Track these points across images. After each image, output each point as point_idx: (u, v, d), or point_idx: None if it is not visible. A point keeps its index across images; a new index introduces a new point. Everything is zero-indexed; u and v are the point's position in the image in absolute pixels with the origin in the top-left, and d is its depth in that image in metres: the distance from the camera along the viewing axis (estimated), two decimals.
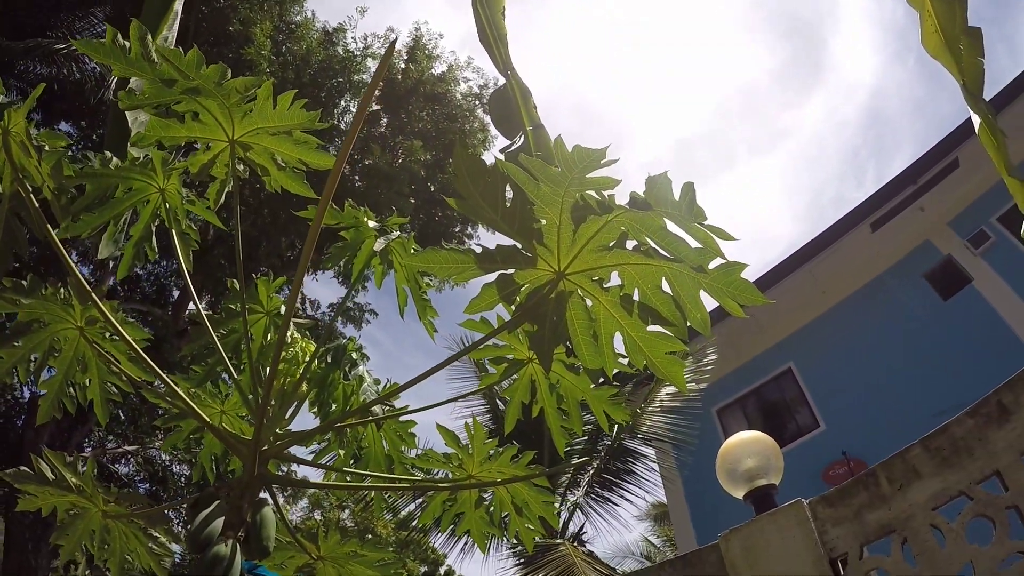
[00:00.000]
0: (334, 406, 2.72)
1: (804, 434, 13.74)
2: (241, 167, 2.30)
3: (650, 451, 10.74)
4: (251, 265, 15.64)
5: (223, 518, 2.06)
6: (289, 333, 2.53)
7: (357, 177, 16.06)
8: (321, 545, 3.05)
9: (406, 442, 2.92)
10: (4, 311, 2.61)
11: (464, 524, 3.11)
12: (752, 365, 14.35)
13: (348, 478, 3.00)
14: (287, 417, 2.48)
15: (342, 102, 16.24)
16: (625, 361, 2.02)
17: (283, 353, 2.45)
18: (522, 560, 8.64)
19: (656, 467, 11.01)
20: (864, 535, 2.90)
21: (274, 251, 15.85)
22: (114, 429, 18.43)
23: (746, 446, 2.92)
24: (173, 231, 2.72)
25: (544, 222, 1.78)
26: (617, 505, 10.54)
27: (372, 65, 16.35)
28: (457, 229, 17.18)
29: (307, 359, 2.58)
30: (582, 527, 10.47)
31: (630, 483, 10.58)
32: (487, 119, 17.01)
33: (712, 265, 1.79)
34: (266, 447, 2.14)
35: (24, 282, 2.55)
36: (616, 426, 10.29)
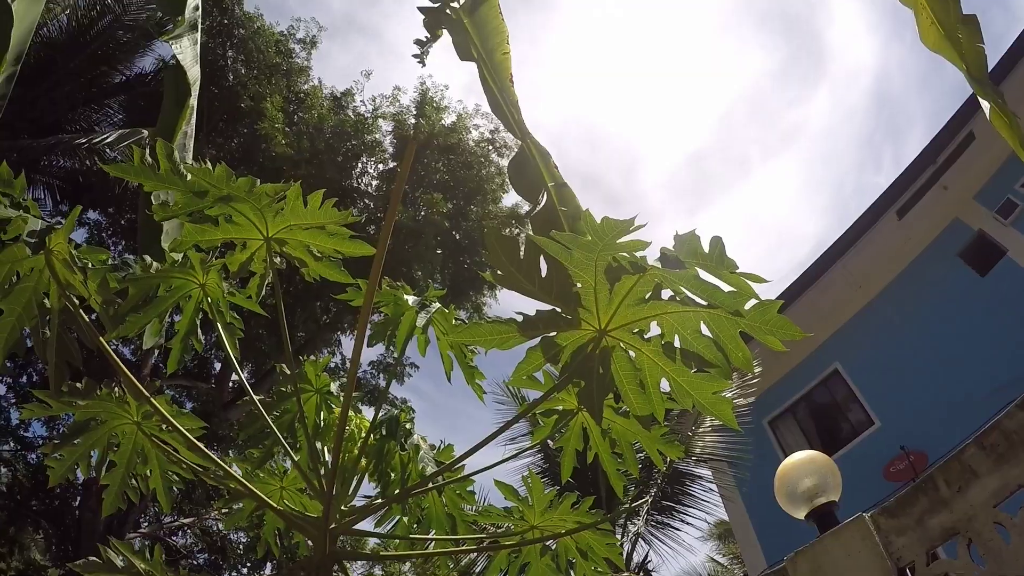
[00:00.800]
0: (392, 475, 2.77)
1: (859, 433, 13.48)
2: (278, 259, 2.39)
3: (706, 472, 10.61)
4: (288, 332, 15.90)
5: None
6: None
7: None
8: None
9: (465, 500, 2.96)
10: (61, 412, 2.71)
11: (531, 574, 3.13)
12: (798, 371, 14.17)
13: (413, 544, 3.04)
14: (349, 493, 2.54)
15: (359, 164, 16.56)
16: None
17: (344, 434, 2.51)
18: None
19: (714, 487, 10.87)
20: (928, 541, 2.87)
21: (310, 317, 16.09)
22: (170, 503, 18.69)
23: (802, 467, 2.91)
24: (218, 323, 2.81)
25: (580, 285, 1.83)
26: (678, 530, 10.43)
27: (383, 124, 16.71)
28: (516, 231, 17.32)
29: (363, 435, 2.64)
30: (646, 556, 10.36)
31: (689, 506, 10.46)
32: (502, 162, 17.19)
33: (747, 306, 1.83)
34: (334, 525, 2.19)
35: (79, 385, 2.65)
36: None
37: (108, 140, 12.94)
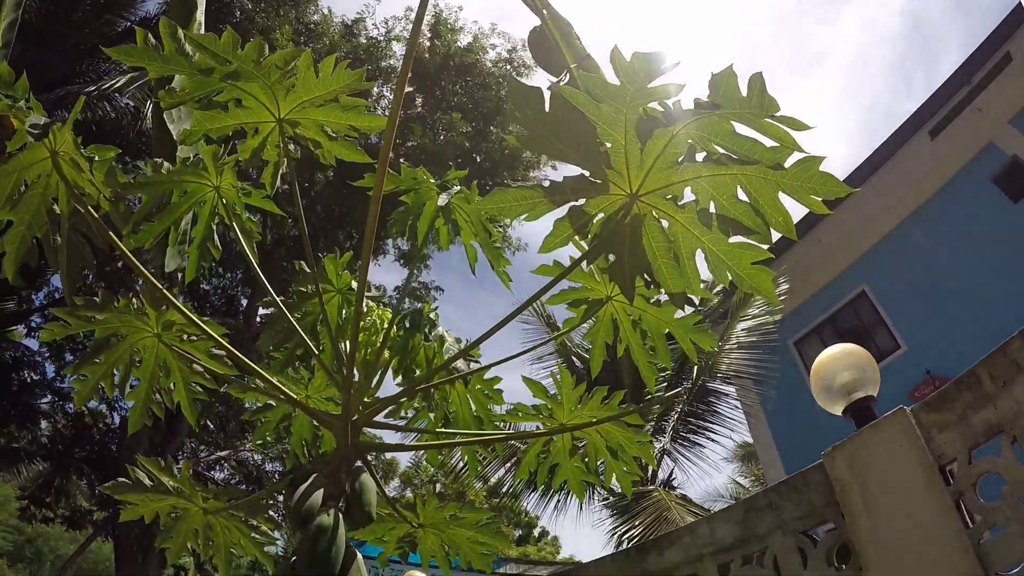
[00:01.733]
0: (418, 372, 2.72)
1: (885, 357, 13.33)
2: (292, 147, 2.29)
3: (732, 390, 10.59)
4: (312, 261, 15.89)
5: (322, 490, 2.09)
6: (365, 303, 2.53)
7: (403, 160, 16.13)
8: (420, 513, 3.07)
9: (494, 399, 2.91)
10: (80, 330, 2.67)
11: (560, 475, 3.09)
12: (825, 292, 14.00)
13: (440, 440, 3.00)
14: (373, 386, 2.49)
15: (375, 89, 16.24)
16: (709, 280, 1.96)
17: (361, 322, 2.44)
18: (616, 511, 8.64)
19: (739, 405, 10.87)
20: (972, 438, 2.78)
21: (333, 244, 16.02)
22: (204, 438, 19.05)
23: (840, 360, 2.82)
24: (235, 225, 2.74)
25: (610, 145, 1.72)
26: (704, 447, 10.48)
27: (397, 48, 16.31)
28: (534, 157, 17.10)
29: (385, 326, 2.57)
30: (671, 474, 10.44)
31: (715, 424, 10.48)
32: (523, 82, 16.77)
33: (788, 163, 1.71)
34: (356, 417, 2.15)
35: (96, 299, 2.60)
36: (696, 368, 10.19)
37: (118, 85, 12.76)
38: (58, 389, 19.09)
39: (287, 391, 2.29)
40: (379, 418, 2.35)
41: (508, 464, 10.55)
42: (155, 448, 15.61)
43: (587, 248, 1.97)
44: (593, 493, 10.96)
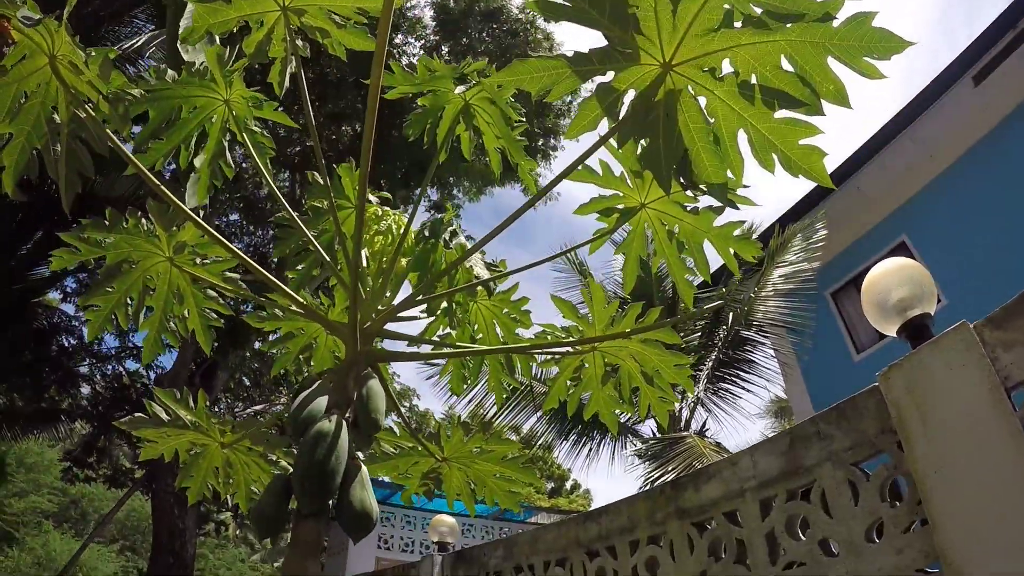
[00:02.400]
0: (438, 287, 2.58)
1: None
2: (300, 43, 2.14)
3: (767, 340, 10.35)
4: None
5: (326, 397, 1.99)
6: (380, 208, 2.40)
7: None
8: (445, 446, 2.97)
9: (522, 322, 2.77)
10: (90, 256, 2.57)
11: (591, 405, 2.96)
12: (863, 242, 13.55)
13: (459, 349, 2.88)
14: (388, 295, 2.36)
15: (398, 37, 15.91)
16: (751, 176, 1.78)
17: (376, 225, 2.31)
18: (648, 458, 8.51)
19: (774, 356, 10.63)
20: None
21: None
22: (240, 394, 19.26)
23: (894, 274, 2.60)
24: (247, 141, 2.61)
25: (639, 8, 1.54)
26: (739, 397, 10.28)
27: None
28: (540, 143, 16.74)
29: (400, 232, 2.44)
30: (704, 424, 10.28)
31: (750, 374, 10.26)
32: (550, 28, 16.34)
33: (836, 23, 1.51)
34: (368, 324, 2.03)
35: (104, 219, 2.50)
36: (732, 315, 9.95)
37: (137, 44, 12.61)
38: (96, 352, 19.37)
39: (299, 299, 2.17)
40: (399, 329, 2.24)
41: (539, 413, 10.48)
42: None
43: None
44: (625, 442, 10.87)
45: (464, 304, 2.64)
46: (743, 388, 10.22)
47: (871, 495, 2.25)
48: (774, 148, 1.67)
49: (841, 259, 13.72)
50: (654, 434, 10.41)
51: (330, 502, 2.05)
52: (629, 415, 10.93)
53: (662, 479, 7.39)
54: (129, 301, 2.71)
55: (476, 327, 2.97)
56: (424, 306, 2.38)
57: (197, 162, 2.54)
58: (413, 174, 14.65)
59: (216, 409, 18.08)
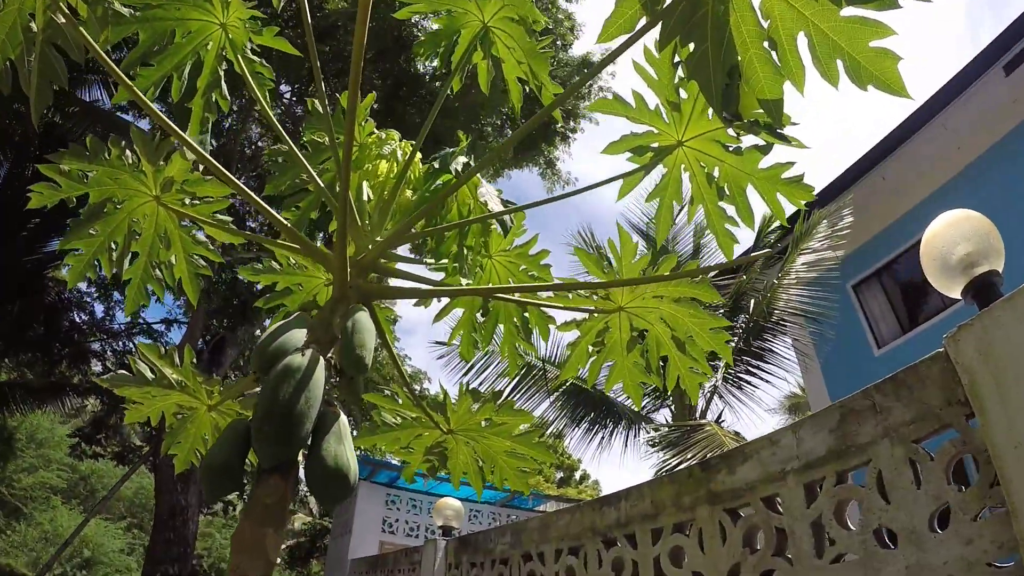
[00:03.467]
0: (447, 237, 2.31)
1: (948, 306, 12.65)
2: None
3: (788, 329, 10.03)
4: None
5: (304, 332, 1.72)
6: (383, 132, 2.13)
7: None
8: (451, 416, 2.70)
9: (541, 278, 2.48)
10: (72, 194, 2.32)
11: (614, 375, 2.68)
12: (887, 234, 13.22)
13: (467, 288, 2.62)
14: (387, 226, 2.09)
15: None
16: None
17: (376, 149, 2.05)
18: (666, 446, 8.22)
19: (793, 348, 10.32)
20: None
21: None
22: (249, 371, 19.13)
23: (956, 227, 2.32)
24: (245, 71, 2.34)
25: None
26: (757, 388, 9.97)
27: None
28: (559, 126, 16.35)
29: (405, 158, 2.16)
30: (720, 415, 10.00)
31: (769, 363, 9.95)
32: (571, 7, 15.94)
33: None
34: (363, 255, 1.77)
35: (84, 148, 2.24)
36: (753, 302, 9.63)
37: None
38: (107, 329, 19.29)
39: (303, 239, 1.91)
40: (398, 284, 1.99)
41: (551, 398, 10.23)
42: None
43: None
44: (639, 430, 10.58)
45: (477, 247, 2.36)
46: (762, 379, 9.90)
47: (936, 477, 1.96)
48: (839, 53, 1.40)
49: (864, 251, 13.37)
50: (668, 423, 10.14)
51: (299, 456, 1.75)
52: (647, 400, 10.66)
53: (680, 467, 7.11)
54: (113, 246, 2.46)
55: (490, 284, 2.70)
56: (431, 255, 2.12)
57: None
58: (429, 146, 14.35)
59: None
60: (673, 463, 7.35)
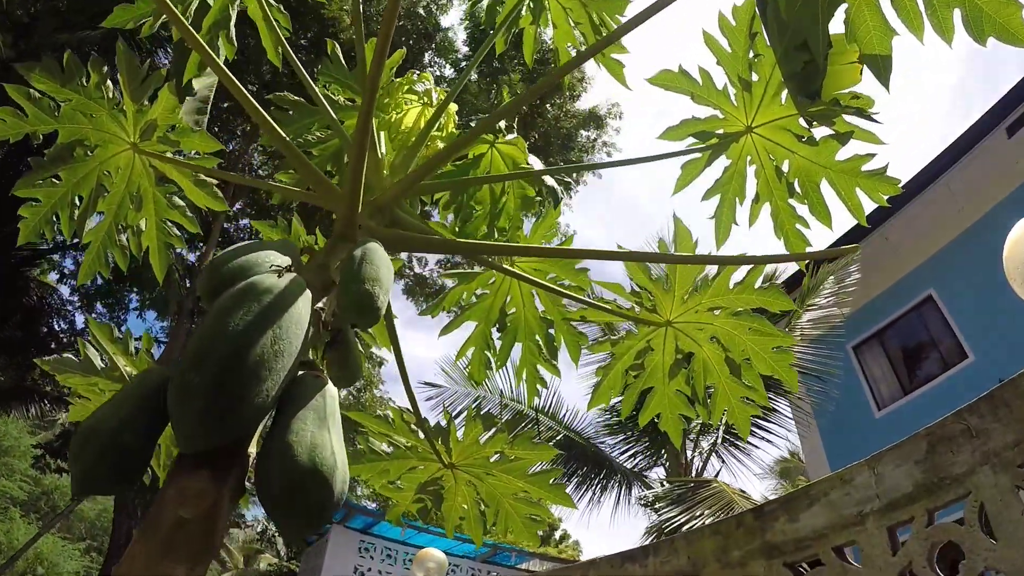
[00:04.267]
0: (477, 209, 1.96)
1: (951, 367, 12.39)
2: None
3: (790, 389, 9.67)
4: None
5: (285, 258, 1.26)
6: (414, 73, 1.80)
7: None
8: (454, 447, 2.31)
9: (577, 285, 2.12)
10: (40, 129, 1.94)
11: (652, 405, 2.31)
12: (889, 295, 13.06)
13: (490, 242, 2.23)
14: (399, 163, 1.73)
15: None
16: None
17: (403, 91, 1.72)
18: (670, 502, 7.73)
19: (792, 407, 9.95)
20: None
21: None
22: None
23: None
24: (261, 15, 2.02)
25: None
26: (757, 448, 9.55)
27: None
28: (593, 136, 16.13)
29: (440, 103, 1.83)
30: (718, 474, 9.56)
31: (772, 422, 9.56)
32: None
33: None
34: (378, 196, 1.43)
35: (60, 66, 1.86)
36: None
37: None
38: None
39: (305, 161, 1.54)
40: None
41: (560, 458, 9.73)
42: None
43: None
44: (631, 487, 10.09)
45: (517, 219, 2.01)
46: (764, 439, 9.51)
47: None
48: (958, 0, 1.13)
49: (864, 312, 13.14)
50: (664, 481, 9.69)
51: (252, 444, 1.17)
52: (640, 458, 10.20)
53: (688, 526, 6.65)
54: (77, 201, 2.07)
55: (510, 298, 2.35)
56: (455, 232, 1.77)
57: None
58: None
59: None
60: (682, 520, 6.87)
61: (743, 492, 7.82)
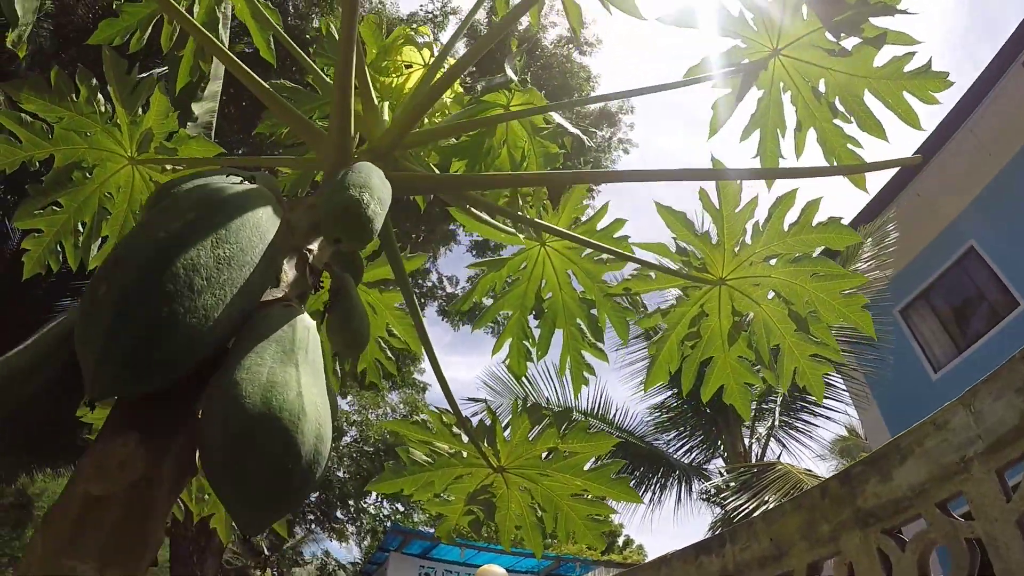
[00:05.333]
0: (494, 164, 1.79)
1: (1003, 318, 11.96)
2: None
3: (843, 361, 9.35)
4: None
5: (265, 190, 1.02)
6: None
7: None
8: (501, 449, 2.12)
9: (620, 251, 1.94)
10: (34, 153, 1.80)
11: (714, 377, 2.12)
12: (929, 253, 12.67)
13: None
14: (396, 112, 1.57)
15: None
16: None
17: (404, 35, 1.57)
18: (736, 488, 7.42)
19: (849, 380, 9.62)
20: None
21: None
22: None
23: None
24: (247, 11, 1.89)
25: None
26: (816, 427, 9.22)
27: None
28: (607, 134, 16.02)
29: (442, 49, 1.67)
30: (778, 458, 9.23)
31: (828, 397, 9.23)
32: (585, 60, 15.96)
33: None
34: (375, 143, 1.27)
35: (48, 81, 1.72)
36: None
37: None
38: None
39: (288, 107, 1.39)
40: None
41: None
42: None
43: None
44: (690, 483, 9.81)
45: (539, 196, 1.84)
46: (821, 415, 9.18)
47: None
48: None
49: (907, 274, 12.73)
50: (720, 473, 9.40)
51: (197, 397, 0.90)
52: (696, 452, 9.91)
53: (759, 512, 6.37)
54: (80, 227, 1.95)
55: (544, 283, 2.18)
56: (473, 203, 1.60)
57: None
58: None
59: None
60: (750, 508, 6.59)
61: (809, 472, 7.52)
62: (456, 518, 2.28)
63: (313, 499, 19.16)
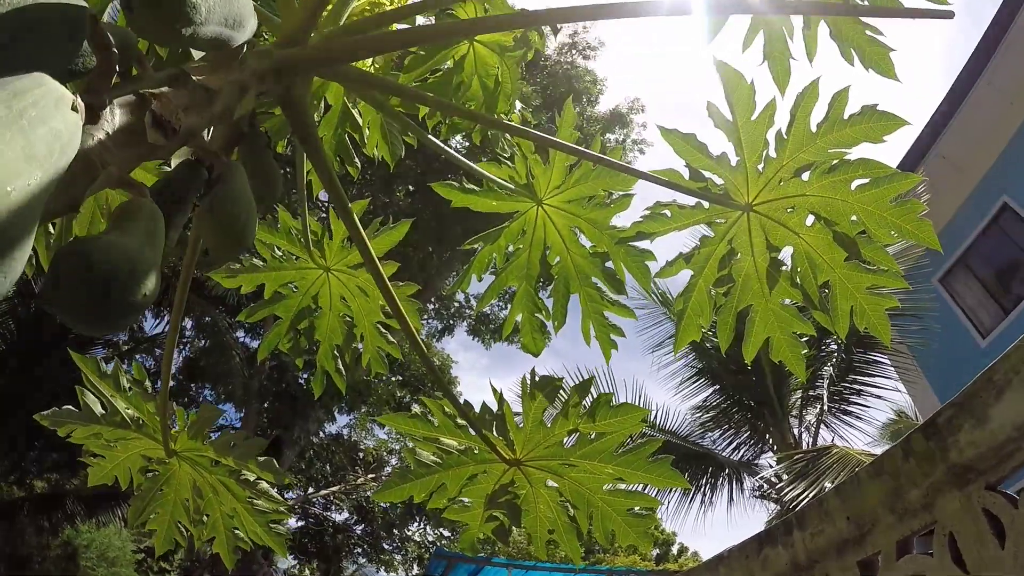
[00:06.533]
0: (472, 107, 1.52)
1: None
2: None
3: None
4: None
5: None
6: None
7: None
8: (514, 437, 1.81)
9: (623, 189, 1.65)
10: (250, 281, 1.90)
11: (756, 329, 1.80)
12: (962, 215, 12.18)
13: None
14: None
15: None
16: None
17: None
18: (791, 476, 7.00)
19: (895, 355, 9.17)
20: None
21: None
22: (311, 474, 18.22)
23: None
24: None
25: None
26: (868, 407, 8.78)
27: None
28: (621, 136, 15.88)
29: None
30: (831, 443, 8.81)
31: (876, 375, 8.81)
32: (589, 64, 15.89)
33: None
34: (315, 35, 0.99)
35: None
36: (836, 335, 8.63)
37: None
38: None
39: None
40: None
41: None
42: None
43: None
44: (741, 480, 9.39)
45: (515, 91, 1.55)
46: (871, 394, 8.74)
47: None
48: None
49: (942, 240, 12.17)
50: (770, 465, 9.00)
51: None
52: (745, 448, 9.49)
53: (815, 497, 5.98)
54: (296, 333, 2.08)
55: (549, 248, 1.90)
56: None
57: None
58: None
59: (286, 495, 17.24)
60: (809, 496, 6.19)
61: (867, 452, 7.10)
62: (478, 525, 1.98)
63: (359, 531, 19.11)
